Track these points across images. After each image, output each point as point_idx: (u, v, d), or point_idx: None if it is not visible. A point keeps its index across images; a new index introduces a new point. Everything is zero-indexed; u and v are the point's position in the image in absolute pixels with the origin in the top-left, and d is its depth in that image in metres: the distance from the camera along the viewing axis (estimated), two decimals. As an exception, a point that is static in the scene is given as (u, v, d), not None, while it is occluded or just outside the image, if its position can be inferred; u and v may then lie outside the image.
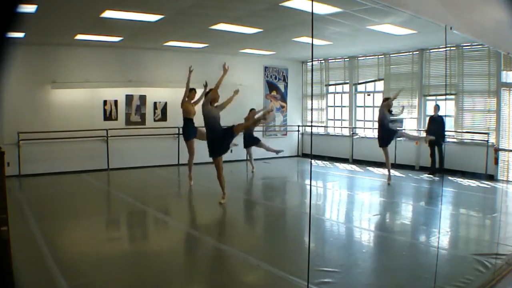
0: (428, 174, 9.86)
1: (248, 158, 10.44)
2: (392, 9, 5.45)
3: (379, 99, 11.97)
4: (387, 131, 8.49)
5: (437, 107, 9.85)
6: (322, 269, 3.93)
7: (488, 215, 6.71)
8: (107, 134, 10.39)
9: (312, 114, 14.36)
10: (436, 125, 9.62)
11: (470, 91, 9.85)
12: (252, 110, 9.98)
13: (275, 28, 8.31)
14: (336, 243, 5.20)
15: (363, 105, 12.62)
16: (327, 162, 12.26)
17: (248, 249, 4.69)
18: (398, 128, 9.78)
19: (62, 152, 9.95)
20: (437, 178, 9.52)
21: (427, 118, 10.36)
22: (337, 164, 12.00)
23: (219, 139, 6.42)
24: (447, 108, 10.60)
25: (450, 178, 9.34)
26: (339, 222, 6.26)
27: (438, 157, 9.69)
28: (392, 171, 10.53)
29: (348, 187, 9.32)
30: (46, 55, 9.67)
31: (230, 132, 6.53)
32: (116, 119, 10.74)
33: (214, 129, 6.42)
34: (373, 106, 12.22)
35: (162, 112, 11.40)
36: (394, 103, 11.55)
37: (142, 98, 11.10)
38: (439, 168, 9.68)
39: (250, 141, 9.96)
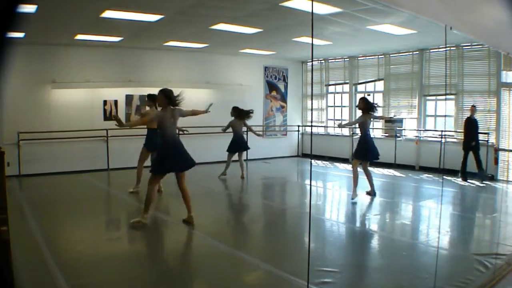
0: (462, 179, 9.08)
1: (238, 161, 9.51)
2: (392, 9, 5.46)
3: (379, 99, 11.98)
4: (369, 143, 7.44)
5: (474, 108, 9.08)
6: (322, 269, 3.92)
7: (488, 215, 6.71)
8: (107, 134, 10.39)
9: (312, 114, 14.36)
10: (473, 127, 8.95)
11: (470, 91, 9.85)
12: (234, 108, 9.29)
13: (275, 28, 8.31)
14: (336, 243, 5.20)
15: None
16: (327, 162, 12.26)
17: (248, 249, 4.69)
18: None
19: (62, 152, 9.95)
20: (482, 184, 8.81)
21: (463, 120, 9.78)
22: (337, 164, 12.01)
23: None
24: (447, 108, 10.61)
25: (449, 178, 9.33)
26: (339, 222, 6.26)
27: (476, 161, 8.91)
28: (391, 171, 10.56)
29: (348, 187, 9.30)
30: (46, 55, 9.67)
31: None
32: (116, 119, 10.73)
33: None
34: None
35: (162, 112, 11.39)
36: (393, 101, 11.59)
37: (142, 98, 11.09)
38: (480, 173, 8.91)
39: (239, 146, 9.30)
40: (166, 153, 5.52)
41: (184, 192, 5.71)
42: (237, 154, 9.39)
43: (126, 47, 10.37)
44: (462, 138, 9.27)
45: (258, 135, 9.81)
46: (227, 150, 9.28)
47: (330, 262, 4.26)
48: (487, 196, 8.16)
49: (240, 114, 9.15)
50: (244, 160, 12.35)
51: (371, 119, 7.52)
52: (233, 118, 9.16)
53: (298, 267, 3.87)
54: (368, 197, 7.48)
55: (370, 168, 7.74)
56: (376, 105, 7.33)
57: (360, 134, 7.52)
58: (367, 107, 7.17)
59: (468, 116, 9.12)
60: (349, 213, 6.81)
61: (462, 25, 3.67)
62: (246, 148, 9.43)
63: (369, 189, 7.48)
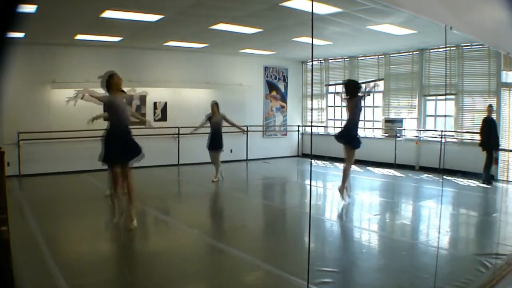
0: (485, 183, 8.65)
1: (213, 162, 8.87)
2: (392, 9, 5.46)
3: (379, 99, 11.99)
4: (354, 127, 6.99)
5: (491, 108, 8.68)
6: (322, 269, 3.92)
7: (488, 215, 6.71)
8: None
9: (312, 114, 14.36)
10: (491, 127, 8.57)
11: (470, 91, 9.85)
12: (214, 103, 8.72)
13: (275, 28, 8.31)
14: (336, 243, 5.20)
15: (363, 105, 12.58)
16: (327, 162, 12.25)
17: (248, 249, 4.69)
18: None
19: (62, 152, 9.94)
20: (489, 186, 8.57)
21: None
22: (337, 164, 11.99)
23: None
24: (447, 108, 10.61)
25: (449, 178, 9.33)
26: (339, 222, 6.26)
27: (487, 161, 8.59)
28: (391, 171, 10.56)
29: (348, 187, 9.30)
30: (46, 55, 9.67)
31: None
32: (116, 119, 10.73)
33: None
34: (373, 106, 12.23)
35: (162, 112, 11.41)
36: (393, 101, 11.59)
37: (142, 98, 11.09)
38: (486, 174, 8.62)
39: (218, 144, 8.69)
40: (116, 142, 5.14)
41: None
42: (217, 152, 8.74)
43: (126, 47, 10.37)
44: (479, 139, 8.84)
45: (242, 129, 9.13)
46: (208, 147, 8.70)
47: (330, 262, 4.26)
48: (487, 196, 8.16)
49: (219, 109, 8.64)
50: (244, 160, 12.40)
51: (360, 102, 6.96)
52: (210, 112, 8.63)
53: (298, 267, 3.86)
54: (369, 197, 7.45)
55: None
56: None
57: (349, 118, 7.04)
58: (353, 89, 6.82)
59: (485, 116, 8.71)
60: (349, 213, 6.80)
61: (462, 25, 3.67)
62: (221, 147, 8.69)
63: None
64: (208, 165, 9.57)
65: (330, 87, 13.34)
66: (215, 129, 8.63)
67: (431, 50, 10.51)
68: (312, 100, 14.13)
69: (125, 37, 9.20)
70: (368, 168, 11.03)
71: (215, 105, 8.66)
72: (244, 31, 8.50)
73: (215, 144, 8.60)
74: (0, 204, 2.65)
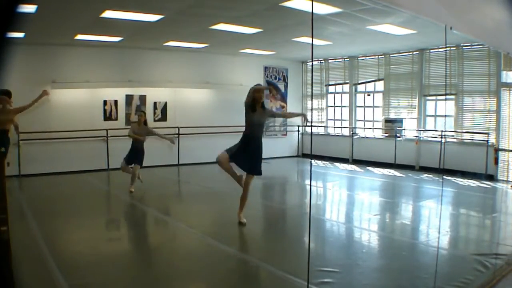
0: None
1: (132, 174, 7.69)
2: (392, 9, 5.46)
3: (379, 99, 12.00)
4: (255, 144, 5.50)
5: None
6: (322, 269, 3.92)
7: (488, 215, 6.71)
8: (107, 134, 10.39)
9: (312, 114, 14.36)
10: None
11: (470, 91, 9.85)
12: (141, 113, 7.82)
13: (275, 28, 8.31)
14: (336, 243, 5.20)
15: (363, 105, 12.63)
16: (327, 162, 12.26)
17: (248, 249, 4.69)
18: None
19: (62, 152, 9.94)
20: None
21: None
22: (337, 164, 12.00)
23: None
24: (447, 108, 10.62)
25: (449, 178, 9.33)
26: (339, 222, 6.26)
27: None
28: (391, 171, 10.56)
29: (348, 187, 9.31)
30: (46, 55, 9.67)
31: None
32: (116, 119, 10.75)
33: None
34: (373, 106, 12.24)
35: (162, 112, 11.41)
36: (393, 101, 11.58)
37: (142, 98, 11.11)
38: None
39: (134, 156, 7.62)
40: None
41: None
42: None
43: (126, 47, 10.37)
44: None
45: (172, 141, 8.01)
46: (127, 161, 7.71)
47: (330, 262, 4.25)
48: (487, 196, 8.16)
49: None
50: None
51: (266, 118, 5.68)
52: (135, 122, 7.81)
53: (298, 267, 3.86)
54: (369, 197, 7.44)
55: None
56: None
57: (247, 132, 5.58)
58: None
59: None
60: (349, 213, 6.81)
61: (462, 25, 3.67)
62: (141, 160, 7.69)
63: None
64: (208, 165, 9.58)
65: (330, 87, 13.36)
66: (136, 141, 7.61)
67: (431, 50, 10.51)
68: (312, 100, 14.14)
69: (125, 37, 9.20)
70: (368, 168, 11.03)
71: (142, 115, 7.68)
72: (244, 31, 8.51)
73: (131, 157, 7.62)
74: (0, 204, 2.65)
